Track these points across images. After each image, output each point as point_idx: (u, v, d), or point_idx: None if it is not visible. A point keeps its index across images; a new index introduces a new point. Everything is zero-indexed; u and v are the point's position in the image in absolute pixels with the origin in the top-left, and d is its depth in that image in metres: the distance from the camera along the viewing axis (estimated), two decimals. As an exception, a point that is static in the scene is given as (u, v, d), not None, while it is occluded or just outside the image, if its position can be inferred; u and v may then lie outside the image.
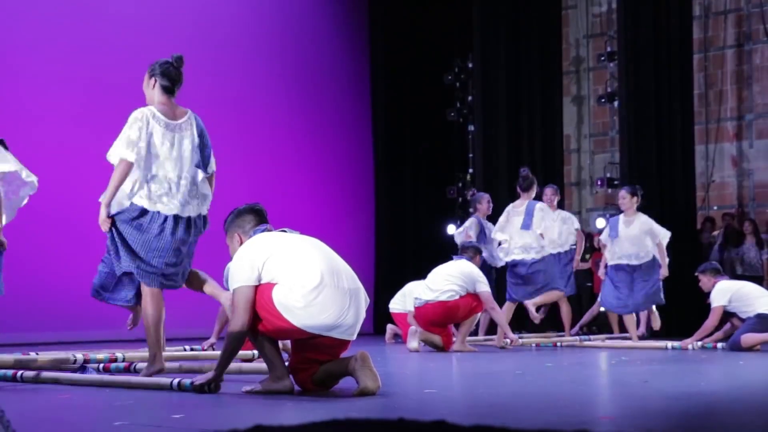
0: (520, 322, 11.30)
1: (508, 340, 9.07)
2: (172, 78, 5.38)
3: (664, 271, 9.79)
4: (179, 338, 7.19)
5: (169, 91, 5.38)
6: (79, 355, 5.79)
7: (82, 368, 5.60)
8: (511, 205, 9.92)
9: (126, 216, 5.23)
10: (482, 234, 10.35)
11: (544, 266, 9.67)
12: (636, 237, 9.78)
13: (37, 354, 6.15)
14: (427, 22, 13.38)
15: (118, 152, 5.22)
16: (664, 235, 9.82)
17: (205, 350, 7.04)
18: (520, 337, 9.59)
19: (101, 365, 5.68)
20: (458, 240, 10.34)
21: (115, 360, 5.79)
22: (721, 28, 14.01)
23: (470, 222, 10.54)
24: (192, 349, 7.10)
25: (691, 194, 12.52)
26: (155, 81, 5.38)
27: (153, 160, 5.25)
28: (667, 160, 12.25)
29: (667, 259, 9.81)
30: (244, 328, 4.47)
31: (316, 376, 4.61)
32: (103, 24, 10.45)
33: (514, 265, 9.71)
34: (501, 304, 9.44)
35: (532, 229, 9.59)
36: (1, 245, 5.43)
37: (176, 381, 4.75)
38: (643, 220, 9.84)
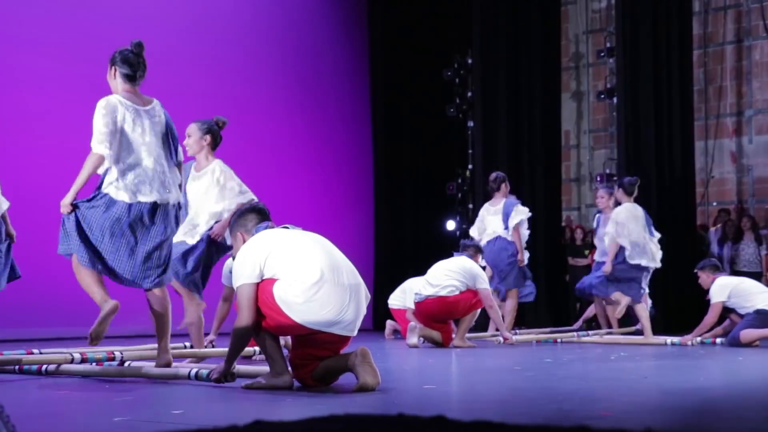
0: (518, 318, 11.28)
1: (501, 338, 9.07)
2: (132, 64, 5.22)
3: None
4: (179, 335, 7.18)
5: (130, 78, 5.24)
6: (77, 354, 5.74)
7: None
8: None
9: (93, 203, 5.13)
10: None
11: None
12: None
13: (40, 352, 6.15)
14: (427, 17, 13.36)
15: (92, 145, 5.12)
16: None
17: (205, 347, 7.02)
18: (515, 334, 9.60)
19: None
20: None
21: (113, 359, 5.77)
22: (721, 24, 14.01)
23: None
24: (192, 346, 7.07)
25: (690, 190, 12.52)
26: (116, 70, 5.24)
27: (126, 149, 5.13)
28: (666, 156, 12.25)
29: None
30: (249, 324, 4.48)
31: (316, 371, 4.61)
32: (102, 23, 10.43)
33: None
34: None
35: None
36: (10, 236, 5.54)
37: (194, 371, 4.88)
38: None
